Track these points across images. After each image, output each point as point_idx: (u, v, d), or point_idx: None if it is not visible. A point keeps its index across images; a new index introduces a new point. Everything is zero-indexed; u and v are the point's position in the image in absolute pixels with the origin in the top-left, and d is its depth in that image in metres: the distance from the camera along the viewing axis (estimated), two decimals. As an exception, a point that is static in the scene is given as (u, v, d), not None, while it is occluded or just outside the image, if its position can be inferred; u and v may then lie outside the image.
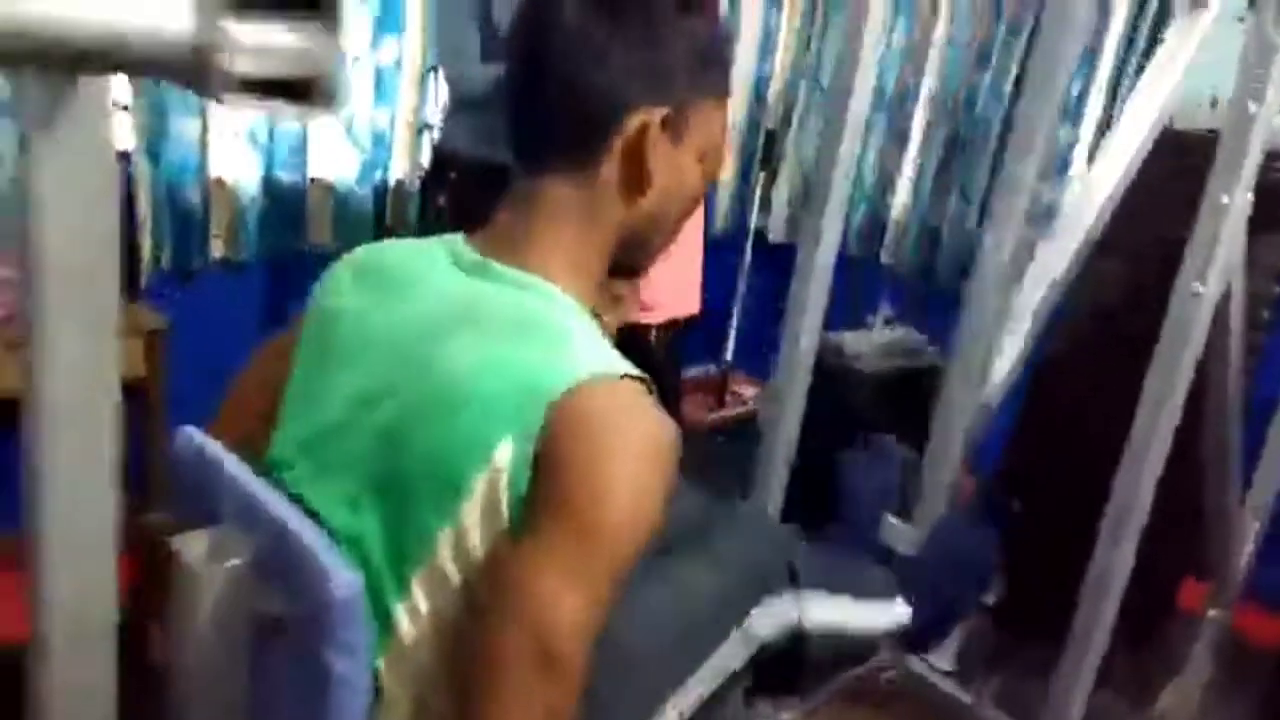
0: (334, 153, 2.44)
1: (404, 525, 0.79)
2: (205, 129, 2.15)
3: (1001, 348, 1.56)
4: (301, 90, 0.39)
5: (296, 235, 2.40)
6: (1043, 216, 1.69)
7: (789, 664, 1.09)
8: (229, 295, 2.33)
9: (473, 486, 0.76)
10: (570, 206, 0.86)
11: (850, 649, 1.18)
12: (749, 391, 3.19)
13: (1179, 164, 1.50)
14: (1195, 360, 1.37)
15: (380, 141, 2.48)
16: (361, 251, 0.97)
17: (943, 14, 3.00)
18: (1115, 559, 1.43)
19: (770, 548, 1.12)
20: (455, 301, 0.85)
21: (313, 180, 2.39)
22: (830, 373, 1.79)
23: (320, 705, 0.76)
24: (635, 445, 0.76)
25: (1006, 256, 1.52)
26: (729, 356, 3.19)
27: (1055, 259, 1.56)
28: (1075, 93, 2.77)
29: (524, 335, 0.81)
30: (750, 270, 3.11)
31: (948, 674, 1.99)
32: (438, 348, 0.82)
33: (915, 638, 1.36)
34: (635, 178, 0.86)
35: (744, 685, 1.07)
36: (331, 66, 0.40)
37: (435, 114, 2.68)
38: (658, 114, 0.84)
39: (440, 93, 2.83)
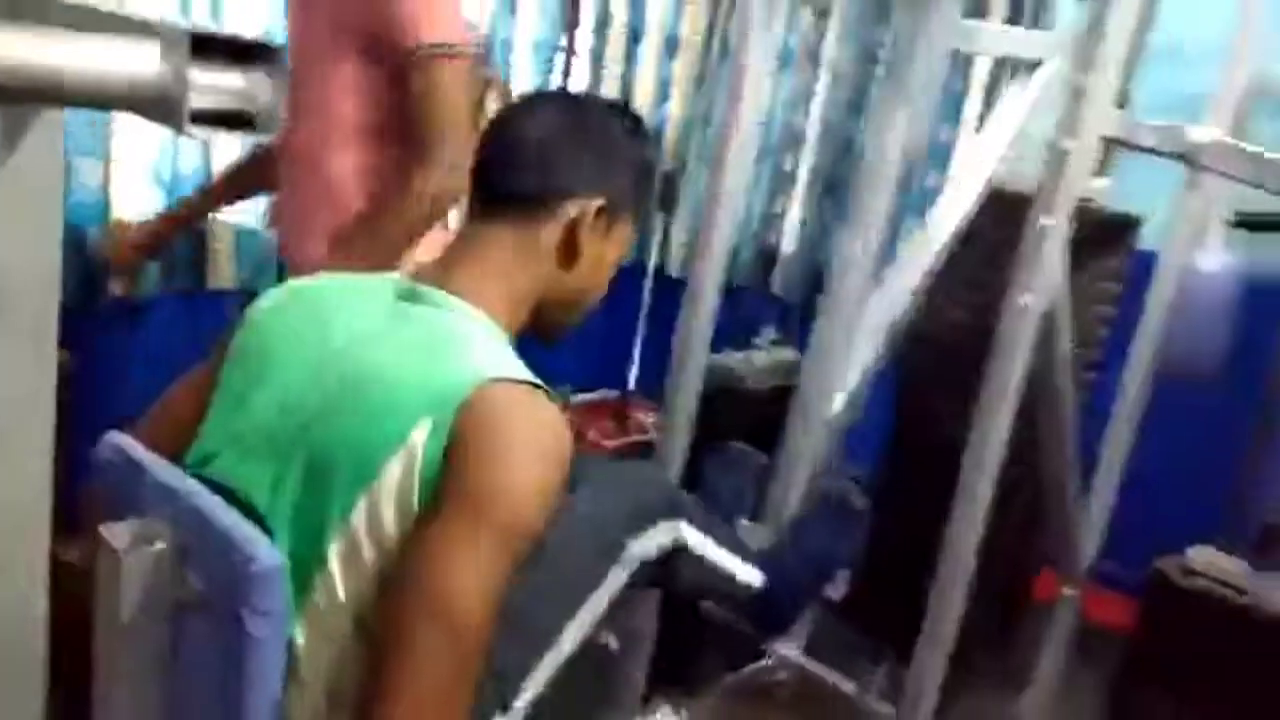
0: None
1: (324, 502, 0.89)
2: (108, 170, 2.20)
3: (852, 361, 1.73)
4: (246, 120, 0.50)
5: (198, 275, 2.44)
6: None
7: (664, 579, 1.25)
8: (130, 334, 2.35)
9: (389, 466, 0.87)
10: (508, 251, 1.02)
11: (714, 583, 1.34)
12: (649, 418, 3.33)
13: (1006, 221, 1.65)
14: (1025, 368, 1.55)
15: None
16: (304, 280, 1.09)
17: (824, 64, 3.24)
18: (959, 558, 1.59)
19: (654, 487, 1.30)
20: (380, 318, 0.98)
21: (215, 220, 2.45)
22: (716, 392, 1.93)
23: (242, 671, 0.85)
24: (534, 442, 0.89)
25: (852, 284, 1.70)
26: (630, 383, 3.33)
27: (899, 286, 1.75)
28: (942, 139, 3.04)
29: (440, 345, 0.94)
30: (651, 301, 3.27)
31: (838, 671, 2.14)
32: (362, 353, 0.94)
33: (768, 621, 1.51)
34: (569, 248, 1.03)
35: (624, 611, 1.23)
36: (272, 102, 0.51)
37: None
38: (596, 205, 1.03)
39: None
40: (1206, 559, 2.04)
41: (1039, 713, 2.07)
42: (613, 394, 3.35)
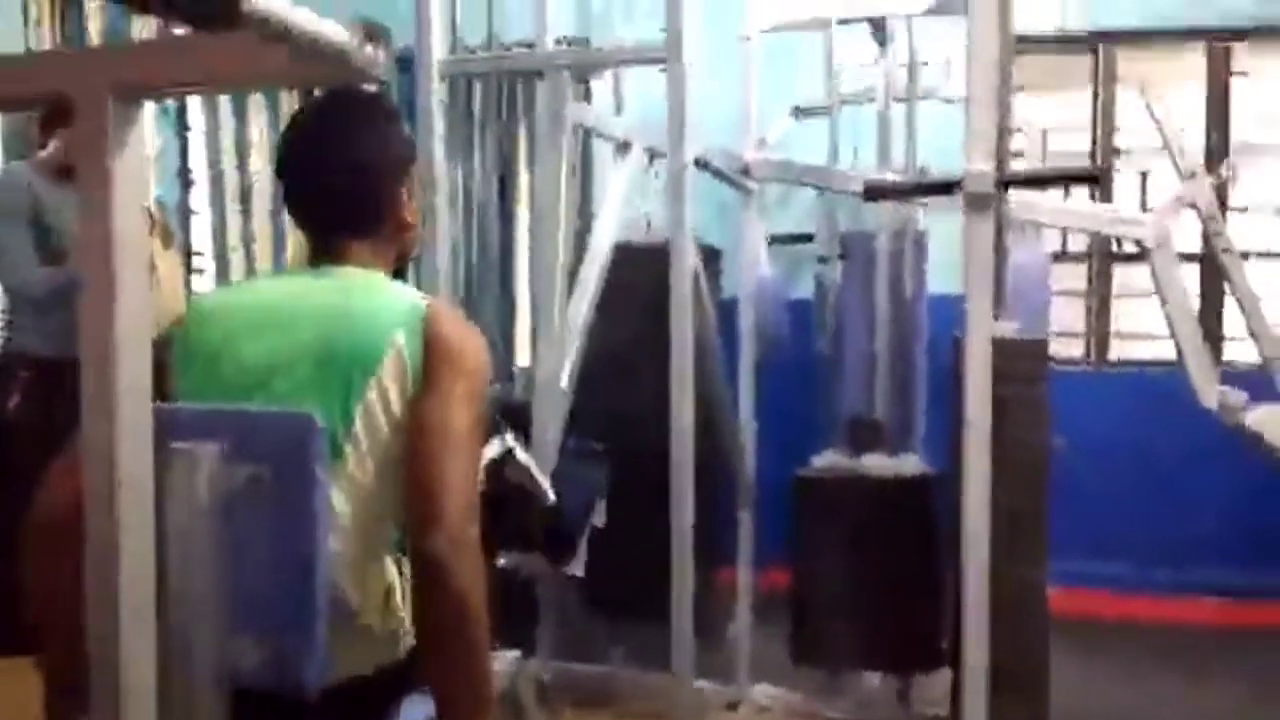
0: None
1: (343, 392, 1.21)
2: None
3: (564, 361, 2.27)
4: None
5: None
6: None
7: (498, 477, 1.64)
8: None
9: (385, 361, 1.22)
10: (367, 252, 1.36)
11: (530, 485, 1.75)
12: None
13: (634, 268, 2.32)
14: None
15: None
16: (204, 297, 1.37)
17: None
18: (680, 539, 2.10)
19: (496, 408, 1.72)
20: (317, 282, 1.32)
21: None
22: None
23: (304, 527, 1.12)
24: (476, 335, 1.31)
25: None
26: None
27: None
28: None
29: (378, 288, 1.32)
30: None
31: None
32: (325, 299, 1.28)
33: (560, 540, 1.95)
34: (403, 228, 1.40)
35: None
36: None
37: None
38: (404, 188, 1.39)
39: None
40: (828, 461, 2.83)
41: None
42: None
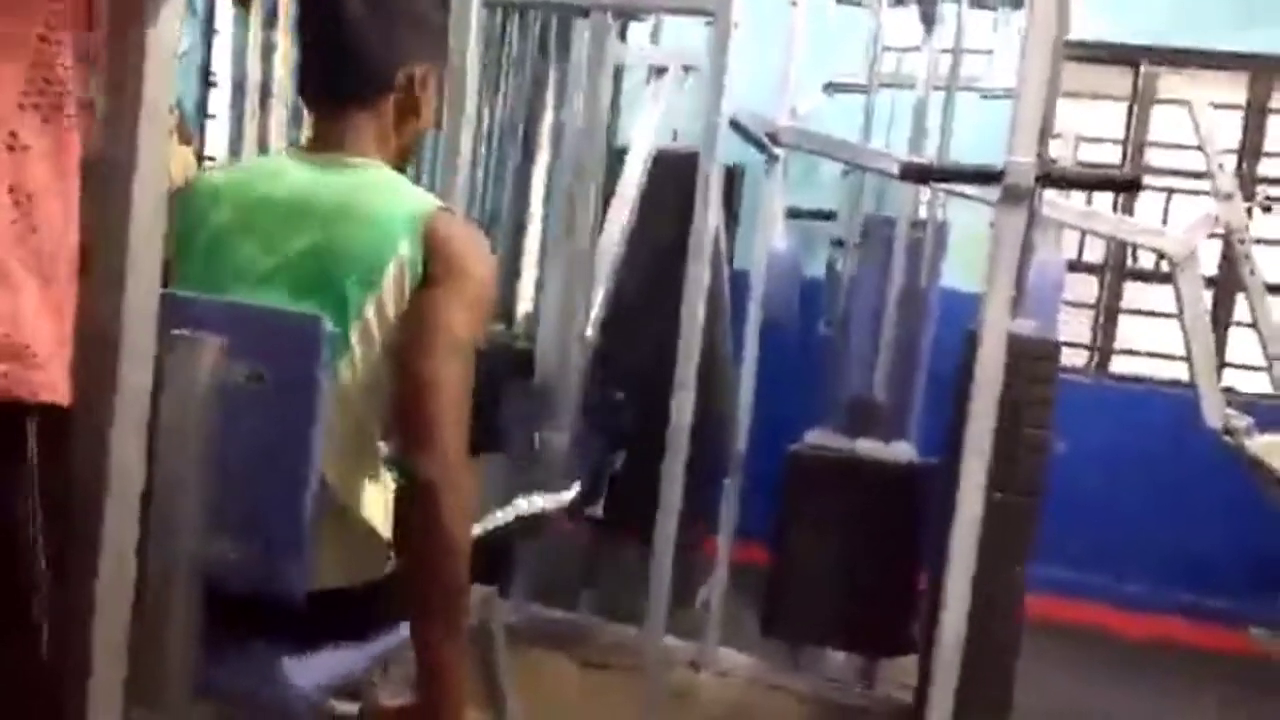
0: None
1: (340, 300, 1.18)
2: None
3: (591, 299, 2.24)
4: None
5: None
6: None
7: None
8: None
9: (389, 271, 1.19)
10: (368, 129, 1.32)
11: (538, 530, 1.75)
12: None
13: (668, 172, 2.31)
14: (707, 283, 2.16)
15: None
16: (213, 173, 1.32)
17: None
18: (672, 474, 2.09)
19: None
20: (323, 177, 1.27)
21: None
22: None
23: (300, 426, 1.10)
24: (482, 245, 1.28)
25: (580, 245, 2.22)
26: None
27: (611, 234, 2.31)
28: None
29: (386, 187, 1.27)
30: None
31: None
32: (332, 198, 1.23)
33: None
34: (411, 111, 1.34)
35: None
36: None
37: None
38: (422, 69, 1.34)
39: None
40: (821, 439, 2.82)
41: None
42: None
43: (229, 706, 1.12)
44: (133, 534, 0.94)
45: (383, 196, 1.24)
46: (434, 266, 1.20)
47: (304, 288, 1.20)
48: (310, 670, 1.17)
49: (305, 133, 1.36)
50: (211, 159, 4.14)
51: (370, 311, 1.19)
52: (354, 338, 1.19)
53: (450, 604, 1.16)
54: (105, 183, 0.91)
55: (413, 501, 1.14)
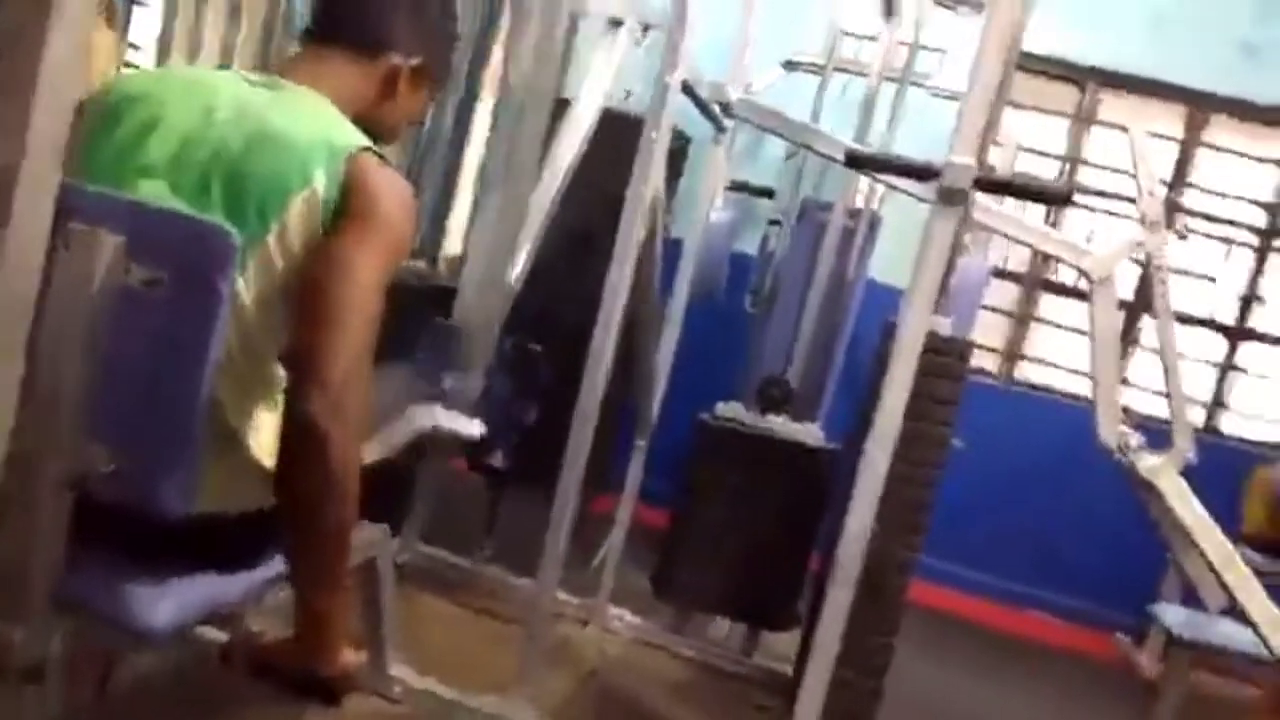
0: None
1: (240, 223, 1.11)
2: None
3: (520, 247, 2.19)
4: None
5: None
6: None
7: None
8: None
9: (295, 200, 1.13)
10: (342, 72, 1.29)
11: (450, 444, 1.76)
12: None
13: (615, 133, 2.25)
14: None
15: None
16: (142, 70, 1.25)
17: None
18: (582, 432, 2.06)
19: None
20: (257, 93, 1.21)
21: None
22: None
23: (201, 336, 1.05)
24: (402, 189, 1.22)
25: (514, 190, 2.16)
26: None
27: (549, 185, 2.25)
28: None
29: (317, 114, 1.21)
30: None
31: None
32: (256, 111, 1.18)
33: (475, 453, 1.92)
34: (388, 89, 1.32)
35: None
36: None
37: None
38: (414, 64, 1.33)
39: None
40: (732, 412, 2.84)
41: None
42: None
43: (82, 622, 1.07)
44: (2, 433, 0.89)
45: (308, 125, 1.19)
46: (349, 204, 1.15)
47: (210, 202, 1.14)
48: (172, 595, 1.12)
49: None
50: (137, 47, 3.92)
51: (272, 237, 1.13)
52: (253, 259, 1.13)
53: (329, 548, 1.13)
54: (12, 39, 0.84)
55: (296, 443, 1.09)
